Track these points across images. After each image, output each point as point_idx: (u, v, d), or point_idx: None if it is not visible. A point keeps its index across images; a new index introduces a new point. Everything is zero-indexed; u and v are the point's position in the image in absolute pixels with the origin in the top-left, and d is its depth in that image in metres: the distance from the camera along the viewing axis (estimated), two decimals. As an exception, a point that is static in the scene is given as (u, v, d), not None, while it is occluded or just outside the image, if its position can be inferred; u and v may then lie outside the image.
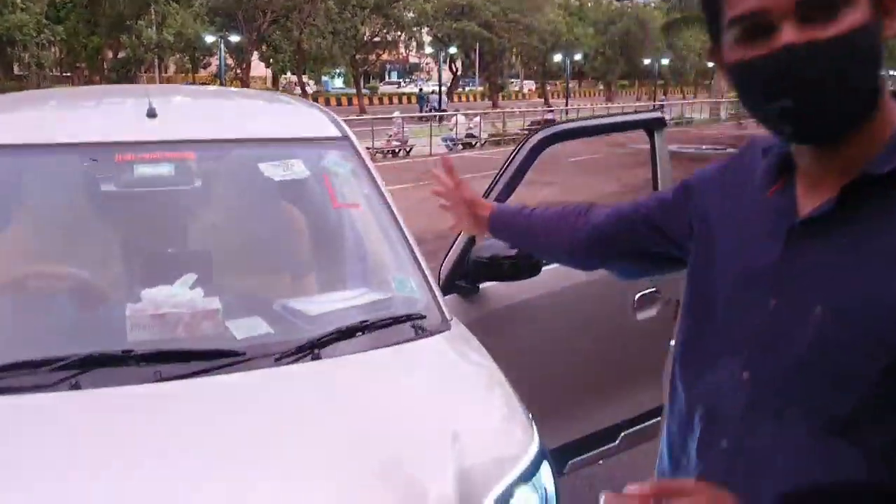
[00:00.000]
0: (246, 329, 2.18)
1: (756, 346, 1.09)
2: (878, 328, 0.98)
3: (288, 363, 2.04)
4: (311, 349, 2.09)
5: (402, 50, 53.91)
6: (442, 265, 2.83)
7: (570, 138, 3.10)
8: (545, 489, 1.88)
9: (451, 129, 25.64)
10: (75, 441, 1.74)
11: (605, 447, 3.33)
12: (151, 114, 2.55)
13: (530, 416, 2.06)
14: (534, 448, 1.93)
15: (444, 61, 49.01)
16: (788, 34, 0.97)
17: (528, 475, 1.84)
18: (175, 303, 2.15)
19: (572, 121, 3.47)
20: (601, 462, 4.06)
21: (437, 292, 2.48)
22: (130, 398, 1.88)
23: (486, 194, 2.82)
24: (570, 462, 3.16)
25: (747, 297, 1.12)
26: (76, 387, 1.87)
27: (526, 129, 27.53)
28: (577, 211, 1.59)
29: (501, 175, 2.87)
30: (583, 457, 3.24)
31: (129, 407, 1.87)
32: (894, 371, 0.97)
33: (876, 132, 1.03)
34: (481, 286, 2.84)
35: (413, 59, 60.12)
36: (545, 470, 1.91)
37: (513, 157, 2.90)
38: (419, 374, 2.15)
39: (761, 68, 1.00)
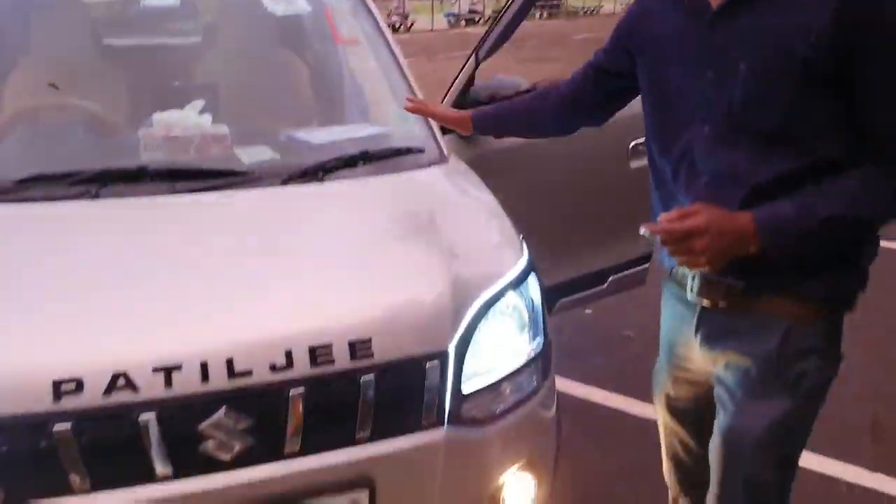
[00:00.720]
0: (253, 154, 2.30)
1: (706, 105, 1.53)
2: (791, 55, 1.39)
3: (293, 184, 2.17)
4: (315, 173, 2.22)
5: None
6: (441, 103, 2.91)
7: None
8: (531, 298, 2.04)
9: (454, 5, 25.06)
10: (95, 243, 1.87)
11: (594, 290, 3.50)
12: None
13: (521, 237, 2.20)
14: (523, 261, 2.08)
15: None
16: None
17: (516, 283, 2.00)
18: (186, 125, 2.26)
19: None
20: (588, 311, 4.30)
21: (436, 129, 2.58)
22: (147, 207, 2.01)
23: (485, 36, 2.88)
24: (559, 302, 3.33)
25: (691, 77, 1.55)
26: (96, 196, 2.00)
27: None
28: (547, 89, 2.02)
29: (498, 21, 2.92)
30: (571, 297, 3.41)
31: (146, 214, 2.00)
32: (805, 85, 1.40)
33: None
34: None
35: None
36: (532, 281, 2.06)
37: (509, 4, 2.94)
38: (417, 198, 2.28)
39: None
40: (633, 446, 3.04)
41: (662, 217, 1.44)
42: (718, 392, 1.66)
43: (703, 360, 1.69)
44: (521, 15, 2.92)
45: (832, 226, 1.42)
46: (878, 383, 3.65)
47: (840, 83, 1.39)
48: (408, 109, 2.21)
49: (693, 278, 1.63)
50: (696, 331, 1.68)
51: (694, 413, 1.82)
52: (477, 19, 24.76)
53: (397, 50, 2.70)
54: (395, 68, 2.67)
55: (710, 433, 1.70)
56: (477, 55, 2.91)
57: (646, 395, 3.06)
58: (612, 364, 3.85)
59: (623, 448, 3.11)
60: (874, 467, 2.98)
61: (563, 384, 3.50)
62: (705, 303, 1.62)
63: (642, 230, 1.43)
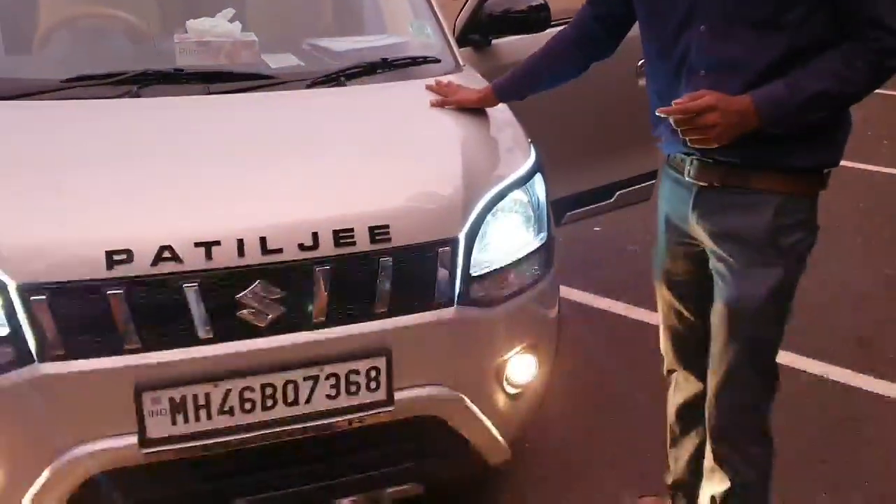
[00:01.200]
0: (280, 60, 2.45)
1: (702, 4, 1.72)
2: None
3: (317, 88, 2.33)
4: (337, 78, 2.37)
5: None
6: (457, 19, 3.02)
7: None
8: (537, 195, 2.20)
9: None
10: (140, 133, 2.04)
11: (601, 203, 3.66)
12: None
13: (530, 141, 2.35)
14: (530, 161, 2.23)
15: None
16: None
17: (523, 181, 2.16)
18: (217, 32, 2.40)
19: None
20: (597, 228, 4.47)
21: (452, 40, 2.72)
22: (187, 104, 2.18)
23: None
24: (567, 214, 3.49)
25: None
26: (137, 95, 2.17)
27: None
28: (558, 36, 2.17)
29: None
30: (580, 210, 3.57)
31: (184, 110, 2.17)
32: None
33: None
34: (493, 41, 3.05)
35: None
36: (538, 179, 2.22)
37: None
38: (433, 100, 2.42)
39: None
40: (634, 345, 3.25)
41: (675, 101, 1.65)
42: (716, 265, 1.84)
43: (699, 235, 1.87)
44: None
45: (820, 100, 1.63)
46: (866, 295, 3.84)
47: None
48: (432, 104, 2.29)
49: (690, 162, 1.82)
50: (693, 209, 1.85)
51: (692, 285, 1.98)
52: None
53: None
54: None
55: (705, 303, 1.90)
56: (493, -32, 3.00)
57: (647, 303, 3.27)
58: (617, 276, 4.03)
59: (624, 347, 3.32)
60: (860, 370, 3.18)
61: (571, 293, 3.70)
62: (702, 183, 1.81)
63: (658, 112, 1.66)
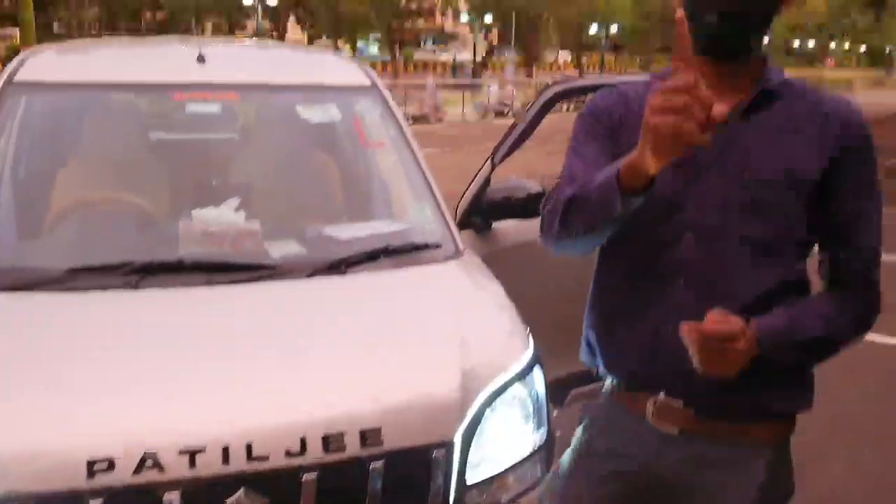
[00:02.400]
0: (282, 249, 2.49)
1: (697, 209, 1.54)
2: (793, 172, 1.50)
3: (318, 277, 2.34)
4: (338, 267, 2.39)
5: (438, 18, 53.71)
6: (459, 203, 3.09)
7: (582, 94, 3.34)
8: (536, 390, 2.16)
9: (484, 98, 25.76)
10: (133, 331, 2.04)
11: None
12: (201, 59, 2.84)
13: (528, 330, 2.33)
14: (528, 353, 2.21)
15: (480, 30, 48.79)
16: None
17: (522, 375, 2.13)
18: (221, 222, 2.45)
19: (589, 77, 3.70)
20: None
21: (453, 225, 2.76)
22: (184, 297, 2.19)
23: (503, 140, 3.08)
24: (571, 392, 3.42)
25: (679, 179, 1.52)
26: (137, 287, 2.18)
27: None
28: None
29: (514, 128, 3.12)
30: (585, 388, 3.50)
31: (182, 304, 2.17)
32: (802, 203, 1.51)
33: (756, 64, 1.55)
34: (494, 224, 3.11)
35: (449, 28, 59.89)
36: (537, 373, 2.19)
37: (526, 112, 3.15)
38: (433, 291, 2.43)
39: None
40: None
41: (701, 324, 1.43)
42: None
43: (658, 480, 1.65)
44: (535, 122, 3.12)
45: (814, 345, 1.55)
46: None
47: (823, 209, 1.54)
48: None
49: (654, 402, 1.60)
50: (658, 458, 1.62)
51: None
52: (506, 112, 25.41)
53: (419, 152, 2.90)
54: (417, 170, 2.86)
55: None
56: (493, 159, 3.11)
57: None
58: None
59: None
60: None
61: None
62: (672, 429, 1.60)
63: (683, 327, 1.43)
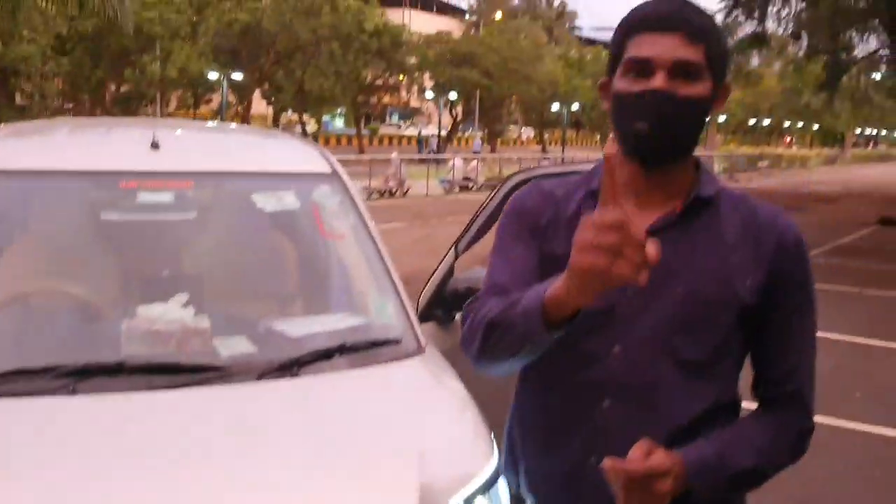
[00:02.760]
0: (231, 347, 2.35)
1: (624, 323, 1.45)
2: (729, 289, 1.44)
3: (268, 379, 2.21)
4: (290, 368, 2.26)
5: (403, 94, 54.56)
6: (421, 294, 3.00)
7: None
8: (501, 502, 2.03)
9: (449, 172, 25.95)
10: (67, 441, 1.89)
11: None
12: (155, 145, 2.74)
13: (492, 435, 2.21)
14: (493, 463, 2.08)
15: (445, 106, 49.62)
16: (660, 81, 1.39)
17: (485, 488, 2.00)
18: (168, 320, 2.32)
19: (549, 167, 3.68)
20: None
21: (414, 319, 2.65)
22: (123, 404, 2.04)
23: (466, 230, 3.00)
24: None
25: (604, 295, 1.33)
26: (74, 392, 2.03)
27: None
28: None
29: (477, 217, 3.06)
30: None
31: (121, 412, 2.02)
32: (737, 321, 1.45)
33: (688, 170, 1.51)
34: (457, 315, 3.01)
35: (414, 103, 60.84)
36: (501, 484, 2.05)
37: (489, 200, 3.09)
38: (391, 394, 2.31)
39: (636, 98, 1.41)
40: None
41: (630, 457, 1.34)
42: None
43: None
44: (499, 211, 3.05)
45: (746, 477, 1.48)
46: None
47: (758, 327, 1.49)
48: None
49: None
50: None
51: None
52: (470, 186, 25.60)
53: (381, 243, 2.81)
54: (377, 261, 2.76)
55: None
56: (456, 248, 3.03)
57: None
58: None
59: None
60: None
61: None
62: None
63: (607, 467, 1.33)
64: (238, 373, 2.20)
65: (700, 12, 1.43)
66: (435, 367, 2.49)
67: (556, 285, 1.29)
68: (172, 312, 2.35)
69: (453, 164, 26.10)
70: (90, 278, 2.65)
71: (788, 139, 79.94)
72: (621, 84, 1.44)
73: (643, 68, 1.40)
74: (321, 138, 47.92)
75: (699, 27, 1.41)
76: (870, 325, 7.88)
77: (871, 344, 7.20)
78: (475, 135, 51.23)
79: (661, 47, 1.39)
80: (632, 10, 1.47)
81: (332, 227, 2.91)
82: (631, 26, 1.44)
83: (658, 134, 1.40)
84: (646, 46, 1.40)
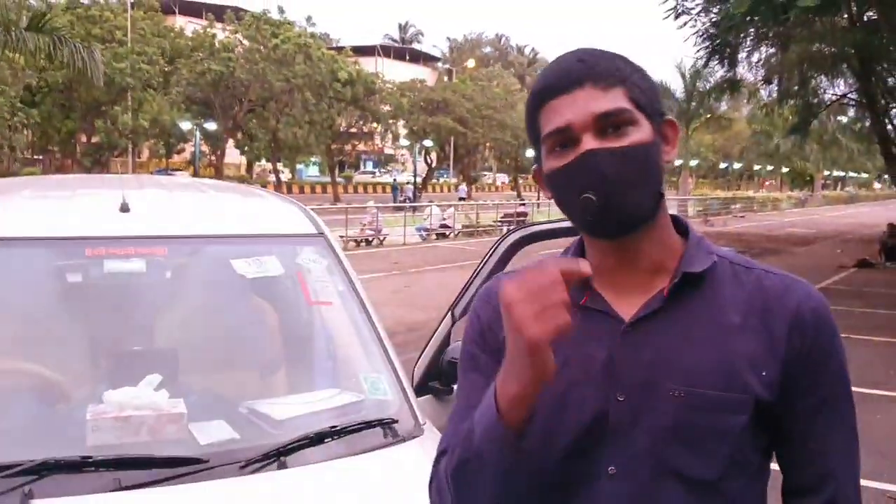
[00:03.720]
0: (210, 433, 2.11)
1: (613, 441, 1.19)
2: (736, 384, 1.17)
3: (253, 471, 1.97)
4: (277, 456, 2.02)
5: (377, 141, 54.70)
6: (416, 366, 2.78)
7: (547, 238, 3.11)
8: None
9: (426, 220, 25.82)
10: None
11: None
12: (124, 208, 2.52)
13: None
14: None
15: (419, 153, 49.78)
16: (588, 143, 1.17)
17: None
18: (138, 405, 2.08)
19: (550, 222, 3.53)
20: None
21: (411, 394, 2.42)
22: (85, 509, 1.79)
23: (463, 292, 2.80)
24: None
25: (588, 401, 1.20)
26: (29, 496, 1.78)
27: (499, 221, 27.87)
28: None
29: (479, 271, 2.86)
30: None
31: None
32: (751, 425, 1.18)
33: (665, 236, 1.25)
34: (455, 387, 2.78)
35: (388, 150, 60.97)
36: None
37: (490, 254, 2.89)
38: (390, 485, 2.07)
39: (570, 170, 1.19)
40: None
41: None
42: None
43: None
44: (496, 272, 2.86)
45: None
46: None
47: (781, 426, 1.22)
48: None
49: None
50: None
51: None
52: (447, 233, 25.47)
53: (371, 308, 2.59)
54: (369, 330, 2.54)
55: None
56: (453, 313, 2.82)
57: None
58: None
59: None
60: None
61: None
62: None
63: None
64: (217, 465, 1.96)
65: (604, 55, 1.22)
66: (435, 449, 2.26)
67: (499, 379, 1.10)
68: (143, 396, 2.10)
69: (430, 212, 25.97)
70: (53, 356, 2.40)
71: (768, 182, 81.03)
72: (550, 163, 1.22)
73: (566, 139, 1.19)
74: (295, 187, 47.76)
75: (607, 71, 1.20)
76: (860, 371, 7.72)
77: (866, 392, 7.04)
78: (459, 181, 51.26)
79: (574, 109, 1.18)
80: (533, 84, 1.26)
81: (319, 293, 2.69)
82: (536, 99, 1.23)
83: (611, 198, 1.16)
84: (558, 114, 1.19)
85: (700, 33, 17.15)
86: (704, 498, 1.18)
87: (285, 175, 47.83)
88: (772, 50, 18.32)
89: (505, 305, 1.06)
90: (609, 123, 1.17)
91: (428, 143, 48.13)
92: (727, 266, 1.25)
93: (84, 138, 36.03)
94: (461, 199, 39.22)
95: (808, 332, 1.20)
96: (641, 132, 1.19)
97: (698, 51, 17.70)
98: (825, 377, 1.21)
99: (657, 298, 1.21)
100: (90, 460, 1.90)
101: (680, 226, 1.29)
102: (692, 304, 1.21)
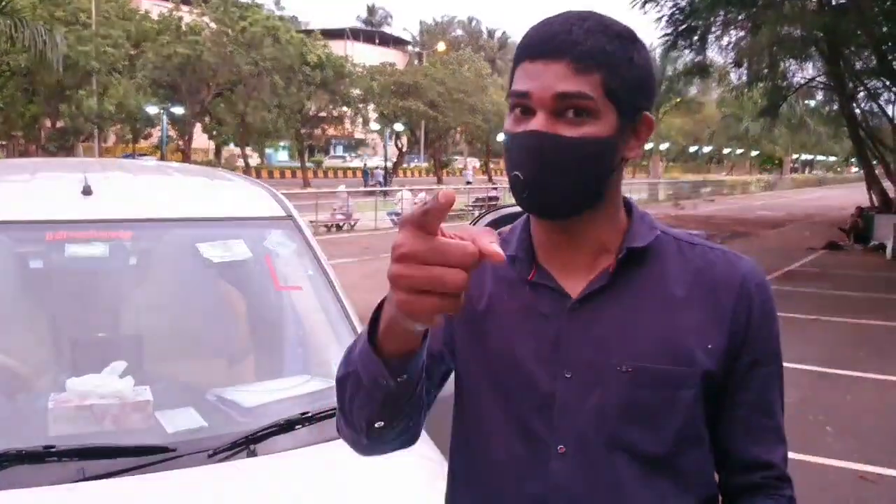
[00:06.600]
0: (177, 422, 2.06)
1: (563, 417, 1.17)
2: (684, 357, 1.17)
3: (221, 460, 1.93)
4: (246, 444, 1.98)
5: (347, 125, 54.34)
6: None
7: (513, 221, 3.09)
8: None
9: (397, 204, 25.71)
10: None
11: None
12: (87, 191, 2.45)
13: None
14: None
15: (390, 137, 49.56)
16: (539, 121, 1.12)
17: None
18: (102, 393, 2.02)
19: (515, 206, 3.51)
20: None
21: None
22: (47, 499, 1.74)
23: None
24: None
25: (534, 378, 1.18)
26: (-12, 488, 1.72)
27: (470, 206, 27.84)
28: None
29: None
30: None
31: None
32: (699, 398, 1.18)
33: (611, 217, 1.22)
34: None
35: (359, 135, 60.61)
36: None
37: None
38: (362, 472, 2.03)
39: (515, 141, 1.15)
40: None
41: None
42: None
43: None
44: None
45: None
46: None
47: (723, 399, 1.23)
48: None
49: None
50: None
51: None
52: (419, 217, 25.38)
53: (343, 294, 2.55)
54: (339, 314, 2.50)
55: None
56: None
57: None
58: None
59: None
60: None
61: None
62: None
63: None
64: (185, 453, 1.91)
65: (596, 32, 1.13)
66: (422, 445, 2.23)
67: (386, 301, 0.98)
68: (108, 384, 2.05)
69: (402, 197, 25.85)
70: (13, 343, 2.34)
71: (733, 166, 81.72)
72: (508, 123, 1.18)
73: (526, 105, 1.14)
74: (264, 172, 47.35)
75: (591, 52, 1.11)
76: (831, 353, 7.83)
77: (836, 373, 7.11)
78: (467, 163, 50.95)
79: (540, 80, 1.12)
80: (523, 35, 1.19)
81: (288, 278, 2.64)
82: (518, 53, 1.17)
83: (536, 184, 1.13)
84: (526, 78, 1.14)
85: (665, 17, 17.21)
86: (656, 472, 1.18)
87: (254, 160, 47.37)
88: (741, 33, 18.42)
89: (396, 251, 0.88)
90: (569, 105, 1.12)
91: (399, 127, 47.93)
92: (671, 242, 1.24)
93: (49, 123, 35.39)
94: (468, 183, 38.84)
95: (753, 306, 1.21)
96: (599, 126, 1.13)
97: (663, 35, 17.75)
98: (763, 344, 1.22)
99: (603, 275, 1.20)
100: (53, 450, 1.84)
101: (625, 204, 1.26)
102: (638, 281, 1.20)
